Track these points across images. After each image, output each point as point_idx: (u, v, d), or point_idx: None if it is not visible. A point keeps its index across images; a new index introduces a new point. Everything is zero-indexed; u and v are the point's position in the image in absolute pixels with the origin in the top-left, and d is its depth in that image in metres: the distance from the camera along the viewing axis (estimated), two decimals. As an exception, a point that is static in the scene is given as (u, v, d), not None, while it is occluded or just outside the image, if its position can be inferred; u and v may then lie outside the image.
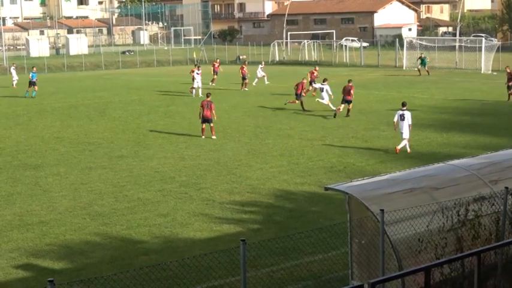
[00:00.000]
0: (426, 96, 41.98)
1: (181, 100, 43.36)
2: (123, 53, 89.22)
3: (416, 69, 58.46)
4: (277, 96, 43.69)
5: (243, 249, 9.81)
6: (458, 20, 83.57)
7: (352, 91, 34.59)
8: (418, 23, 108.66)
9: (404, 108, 25.81)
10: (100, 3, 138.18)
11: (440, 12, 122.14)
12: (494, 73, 56.80)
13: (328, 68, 54.37)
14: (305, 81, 39.29)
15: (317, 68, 46.70)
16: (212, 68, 52.63)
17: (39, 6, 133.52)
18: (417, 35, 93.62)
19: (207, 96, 29.99)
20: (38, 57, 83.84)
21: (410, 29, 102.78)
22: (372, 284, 8.25)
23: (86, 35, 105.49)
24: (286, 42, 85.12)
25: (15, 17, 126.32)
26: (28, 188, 21.52)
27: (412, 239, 11.19)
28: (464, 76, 56.20)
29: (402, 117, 25.54)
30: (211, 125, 29.21)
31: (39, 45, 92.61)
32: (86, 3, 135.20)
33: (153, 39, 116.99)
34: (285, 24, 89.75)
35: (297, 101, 37.34)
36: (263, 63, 56.60)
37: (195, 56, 79.50)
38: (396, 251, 11.12)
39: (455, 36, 75.92)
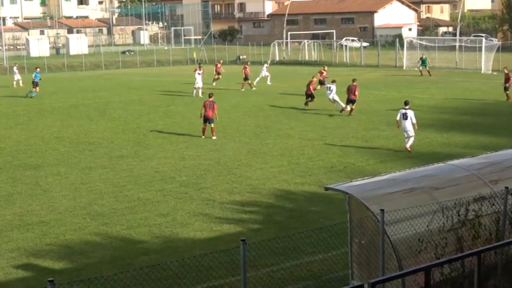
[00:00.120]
0: (426, 96, 41.98)
1: (182, 100, 43.37)
2: (123, 52, 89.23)
3: (417, 69, 58.50)
4: (278, 96, 43.71)
5: (243, 249, 9.81)
6: (459, 20, 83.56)
7: (357, 91, 34.94)
8: (418, 23, 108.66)
9: (407, 107, 25.83)
10: (100, 3, 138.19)
11: (441, 12, 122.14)
12: (495, 73, 56.79)
13: (329, 68, 54.27)
14: (315, 79, 39.38)
15: (326, 68, 46.53)
16: (215, 68, 53.01)
17: (39, 6, 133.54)
18: (417, 35, 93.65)
19: (210, 97, 30.02)
20: (38, 57, 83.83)
21: (410, 29, 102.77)
22: (372, 284, 8.25)
23: (86, 34, 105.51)
24: (287, 42, 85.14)
25: (15, 17, 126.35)
26: (28, 187, 21.52)
27: (412, 239, 11.18)
28: (465, 76, 56.20)
29: (405, 116, 25.54)
30: (212, 125, 29.22)
31: (39, 45, 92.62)
32: (86, 3, 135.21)
33: (153, 39, 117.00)
34: (285, 24, 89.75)
35: (308, 100, 37.65)
36: (269, 62, 56.87)
37: (195, 56, 79.53)
38: (396, 251, 11.11)
39: (456, 36, 75.91)
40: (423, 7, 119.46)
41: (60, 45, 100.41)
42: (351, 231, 12.44)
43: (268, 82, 51.70)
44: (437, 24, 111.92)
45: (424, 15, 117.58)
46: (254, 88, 47.91)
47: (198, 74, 44.94)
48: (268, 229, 16.91)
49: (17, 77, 53.27)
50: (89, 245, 16.07)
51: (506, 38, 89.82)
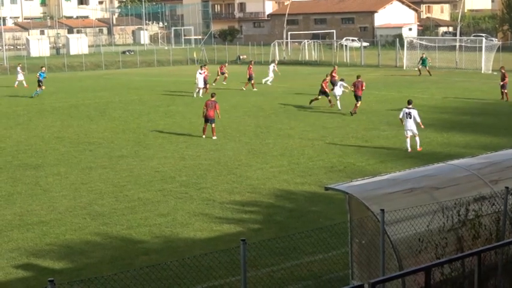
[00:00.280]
0: (426, 96, 41.98)
1: (182, 100, 43.36)
2: (124, 52, 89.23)
3: (416, 69, 58.47)
4: (278, 96, 43.71)
5: (243, 249, 9.81)
6: (459, 20, 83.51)
7: (363, 86, 35.56)
8: (418, 23, 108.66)
9: (410, 106, 25.85)
10: (100, 3, 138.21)
11: (441, 12, 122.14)
12: (495, 73, 56.74)
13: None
14: (328, 78, 39.46)
15: (336, 68, 46.41)
16: (219, 69, 53.26)
17: (40, 6, 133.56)
18: (417, 35, 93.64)
19: (212, 96, 30.03)
20: (38, 57, 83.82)
21: (410, 29, 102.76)
22: (372, 284, 8.25)
23: (86, 34, 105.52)
24: (287, 42, 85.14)
25: (15, 17, 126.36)
26: (28, 187, 21.52)
27: (412, 239, 11.18)
28: (465, 76, 56.20)
29: (409, 115, 25.55)
30: (213, 125, 29.23)
31: (39, 45, 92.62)
32: (86, 3, 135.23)
33: (154, 39, 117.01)
34: (285, 24, 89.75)
35: (319, 97, 37.73)
36: (276, 61, 57.06)
37: (195, 56, 79.52)
38: (396, 251, 11.11)
39: (456, 36, 75.89)
40: (423, 7, 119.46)
41: (60, 45, 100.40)
42: (351, 231, 12.44)
43: (269, 82, 51.67)
44: (438, 24, 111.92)
45: (424, 15, 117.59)
46: (255, 89, 47.91)
47: (200, 74, 44.90)
48: (268, 229, 16.91)
49: (20, 77, 53.23)
50: (89, 245, 16.07)
51: (507, 38, 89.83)
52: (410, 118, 25.53)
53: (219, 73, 52.78)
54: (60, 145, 28.62)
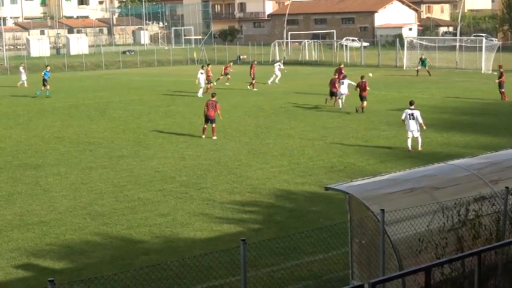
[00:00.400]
0: (426, 96, 41.98)
1: (182, 100, 43.37)
2: (124, 52, 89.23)
3: (416, 69, 58.43)
4: (278, 96, 43.71)
5: (243, 249, 9.81)
6: (459, 20, 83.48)
7: (367, 87, 35.67)
8: (418, 23, 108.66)
9: (413, 107, 25.87)
10: (100, 3, 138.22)
11: (441, 12, 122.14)
12: (495, 73, 56.58)
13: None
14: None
15: (342, 66, 46.10)
16: (223, 69, 53.28)
17: (40, 6, 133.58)
18: (418, 35, 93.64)
19: (213, 96, 30.01)
20: (38, 57, 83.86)
21: (410, 29, 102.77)
22: (372, 284, 8.25)
23: (86, 34, 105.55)
24: (287, 42, 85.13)
25: (15, 17, 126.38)
26: (28, 187, 21.52)
27: (412, 239, 11.18)
28: (465, 76, 56.19)
29: (411, 117, 25.57)
30: (213, 125, 29.21)
31: (39, 45, 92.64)
32: (87, 3, 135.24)
33: (154, 39, 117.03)
34: (285, 24, 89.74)
35: (336, 98, 37.79)
36: (282, 61, 57.03)
37: (195, 56, 79.53)
38: (396, 251, 11.11)
39: (456, 36, 75.87)
40: (423, 7, 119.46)
41: (60, 45, 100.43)
42: (351, 231, 12.44)
43: (269, 82, 51.67)
44: (438, 24, 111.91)
45: (424, 15, 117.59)
46: (255, 89, 47.92)
47: (201, 73, 44.88)
48: (268, 229, 16.91)
49: (23, 77, 53.21)
50: (89, 245, 16.07)
51: (507, 38, 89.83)
52: (413, 119, 25.55)
53: (223, 73, 52.44)
54: (60, 145, 28.62)
